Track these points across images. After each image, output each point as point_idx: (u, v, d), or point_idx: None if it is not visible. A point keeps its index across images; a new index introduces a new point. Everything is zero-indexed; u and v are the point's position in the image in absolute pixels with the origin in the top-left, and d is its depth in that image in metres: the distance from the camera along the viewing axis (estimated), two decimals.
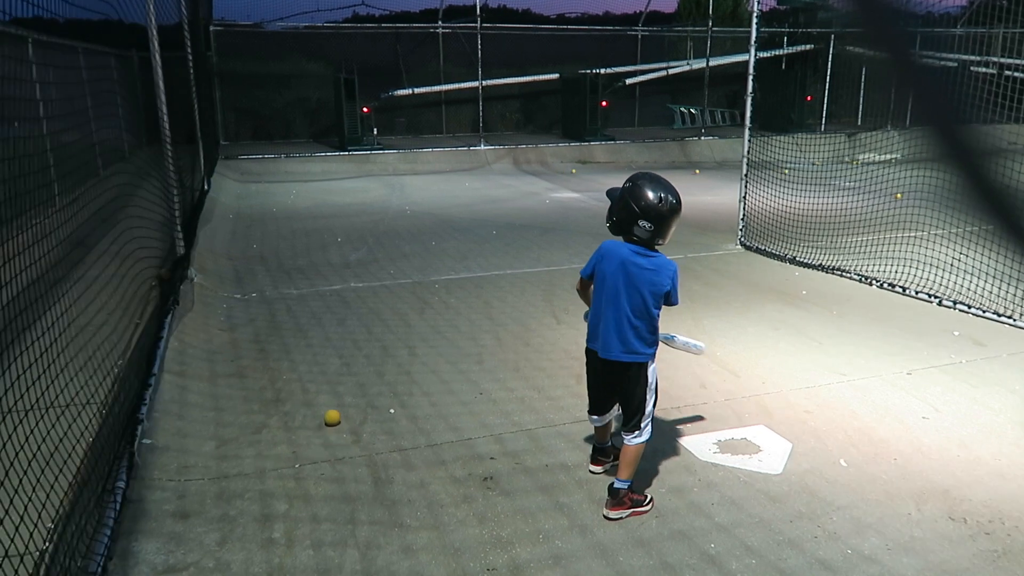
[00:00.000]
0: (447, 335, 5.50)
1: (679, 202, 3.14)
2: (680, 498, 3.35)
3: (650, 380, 3.24)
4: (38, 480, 2.25)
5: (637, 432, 3.25)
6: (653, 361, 3.26)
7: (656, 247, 3.16)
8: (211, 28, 16.17)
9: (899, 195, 7.93)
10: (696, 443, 3.86)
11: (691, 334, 5.46)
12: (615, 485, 3.23)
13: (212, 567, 2.83)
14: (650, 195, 3.07)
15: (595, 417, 3.48)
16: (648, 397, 3.25)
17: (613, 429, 3.63)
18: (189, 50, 9.29)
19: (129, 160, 4.48)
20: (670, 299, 3.18)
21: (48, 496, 2.33)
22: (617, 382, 3.29)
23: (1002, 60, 12.96)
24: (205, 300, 6.02)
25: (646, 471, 3.54)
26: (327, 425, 4.05)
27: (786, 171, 8.62)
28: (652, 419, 3.30)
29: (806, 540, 3.05)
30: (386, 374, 4.76)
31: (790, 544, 3.02)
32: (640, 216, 3.08)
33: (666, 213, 3.09)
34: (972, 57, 14.05)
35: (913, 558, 2.93)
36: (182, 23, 8.86)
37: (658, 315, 3.20)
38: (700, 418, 4.14)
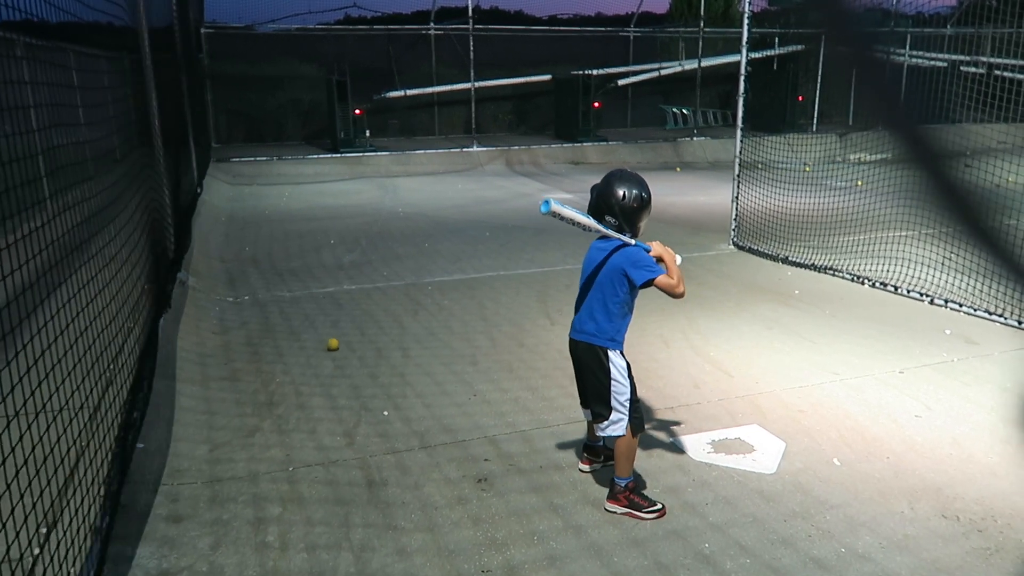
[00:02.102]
0: (441, 336, 5.50)
1: (646, 198, 3.22)
2: (674, 497, 3.36)
3: (611, 371, 3.21)
4: (30, 485, 2.24)
5: (605, 423, 3.24)
6: (616, 354, 3.23)
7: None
8: (202, 30, 16.11)
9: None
10: (690, 443, 3.86)
11: (685, 334, 5.48)
12: (613, 479, 3.27)
13: (205, 571, 2.82)
14: (616, 192, 3.19)
15: (583, 409, 3.47)
16: (611, 387, 3.21)
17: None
18: (180, 52, 9.26)
19: (121, 163, 4.47)
20: (631, 277, 3.14)
21: (39, 501, 2.31)
22: (581, 367, 3.31)
23: (991, 60, 13.03)
24: (197, 303, 6.00)
25: (641, 471, 3.54)
26: (328, 350, 5.17)
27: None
28: (628, 416, 3.23)
29: (800, 539, 3.05)
30: (380, 376, 4.75)
31: (784, 543, 3.03)
32: (606, 211, 3.21)
33: (629, 209, 3.19)
34: (962, 57, 14.13)
35: (906, 556, 2.94)
36: (173, 25, 8.83)
37: (618, 304, 3.19)
38: (693, 419, 4.15)
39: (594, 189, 3.30)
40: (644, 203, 3.22)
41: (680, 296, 3.16)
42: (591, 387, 3.29)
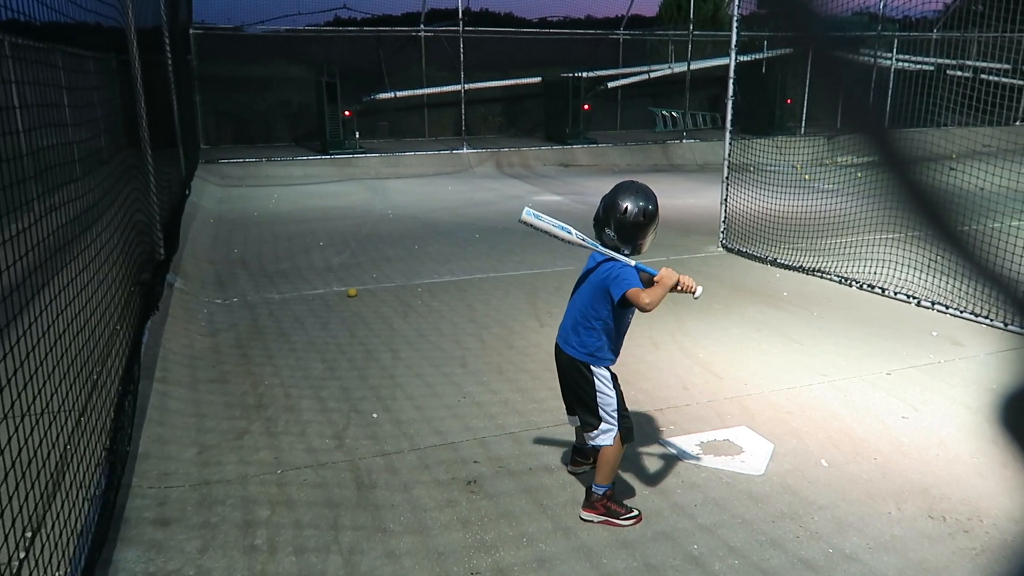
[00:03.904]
0: (430, 338, 5.49)
1: (649, 214, 3.11)
2: (663, 499, 3.36)
3: (595, 383, 3.19)
4: (16, 489, 2.22)
5: (594, 432, 3.22)
6: (600, 369, 3.21)
7: (625, 254, 3.15)
8: (191, 31, 16.04)
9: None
10: (679, 444, 3.87)
11: (674, 336, 5.50)
12: (591, 487, 3.25)
13: (193, 574, 2.81)
14: (619, 204, 3.10)
15: (568, 416, 3.45)
16: (597, 399, 3.19)
17: None
18: (169, 53, 9.22)
19: (108, 163, 4.45)
20: (611, 294, 3.09)
21: (25, 505, 2.30)
22: (565, 376, 3.29)
23: (977, 64, 13.16)
24: (186, 305, 5.97)
25: (630, 472, 3.55)
26: (348, 296, 6.36)
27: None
28: (616, 426, 3.20)
29: (788, 540, 3.07)
30: (369, 378, 4.74)
31: (772, 544, 3.04)
32: (605, 224, 3.15)
33: (628, 224, 3.10)
34: (948, 61, 14.26)
35: (894, 556, 2.95)
36: (162, 26, 8.79)
37: (599, 321, 3.15)
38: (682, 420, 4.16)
39: (603, 199, 3.22)
40: (648, 218, 3.10)
41: (644, 308, 3.04)
42: (576, 397, 3.27)
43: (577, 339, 3.20)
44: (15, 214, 2.43)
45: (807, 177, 8.89)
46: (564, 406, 3.44)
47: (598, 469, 3.26)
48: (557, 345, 3.31)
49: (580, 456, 3.60)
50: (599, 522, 3.18)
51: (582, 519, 3.20)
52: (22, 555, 2.37)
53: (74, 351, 2.92)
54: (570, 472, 3.58)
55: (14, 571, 2.32)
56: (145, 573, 2.80)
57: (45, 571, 2.36)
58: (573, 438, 3.73)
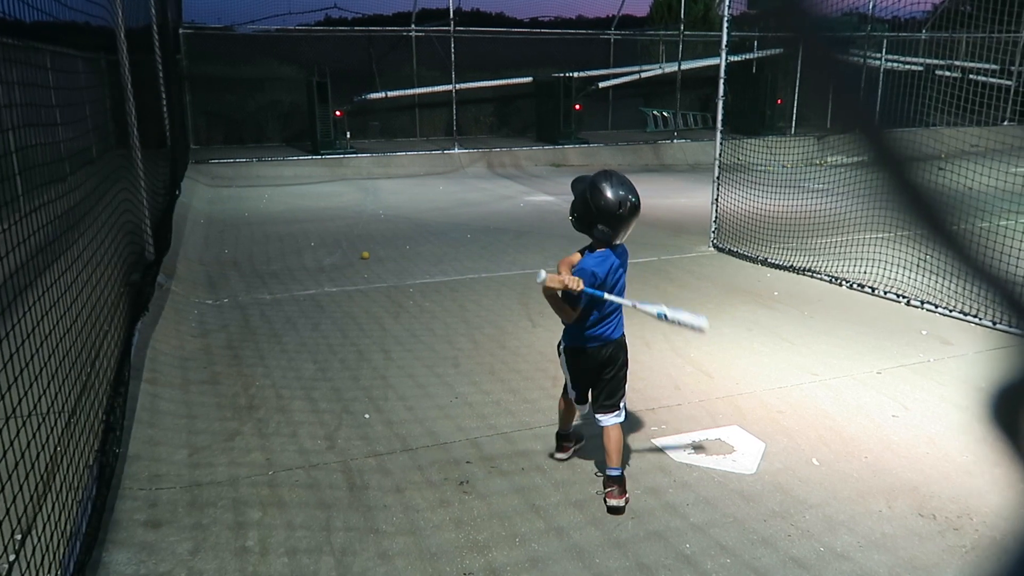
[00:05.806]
0: (422, 339, 5.48)
1: (637, 204, 3.16)
2: (655, 499, 3.37)
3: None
4: (5, 491, 2.21)
5: (617, 411, 3.37)
6: None
7: (599, 234, 3.20)
8: (181, 31, 15.96)
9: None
10: (671, 444, 3.88)
11: (666, 336, 5.51)
12: (610, 475, 3.30)
13: None
14: (610, 198, 3.10)
15: (579, 405, 3.56)
16: (626, 375, 3.43)
17: (576, 419, 3.72)
18: (158, 53, 9.17)
19: (97, 164, 4.44)
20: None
21: (15, 508, 2.28)
22: (613, 362, 3.37)
23: (966, 64, 13.25)
24: (177, 306, 5.94)
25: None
26: (362, 258, 7.31)
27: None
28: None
29: (780, 538, 3.08)
30: (361, 379, 4.73)
31: (764, 543, 3.05)
32: (598, 218, 3.14)
33: (625, 216, 3.13)
34: (937, 61, 14.35)
35: (884, 554, 2.97)
36: (151, 26, 8.74)
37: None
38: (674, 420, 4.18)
39: (577, 185, 3.22)
40: (635, 210, 3.14)
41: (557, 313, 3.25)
42: (616, 381, 3.38)
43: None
44: (2, 212, 2.41)
45: (787, 165, 8.95)
46: (577, 396, 3.50)
47: (613, 452, 3.32)
48: (612, 339, 3.35)
49: (566, 442, 3.70)
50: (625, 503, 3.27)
51: (614, 508, 3.23)
52: (12, 557, 2.36)
53: (74, 356, 2.90)
54: (559, 459, 3.66)
55: (4, 573, 2.30)
56: (136, 575, 2.79)
57: (35, 573, 2.34)
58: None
